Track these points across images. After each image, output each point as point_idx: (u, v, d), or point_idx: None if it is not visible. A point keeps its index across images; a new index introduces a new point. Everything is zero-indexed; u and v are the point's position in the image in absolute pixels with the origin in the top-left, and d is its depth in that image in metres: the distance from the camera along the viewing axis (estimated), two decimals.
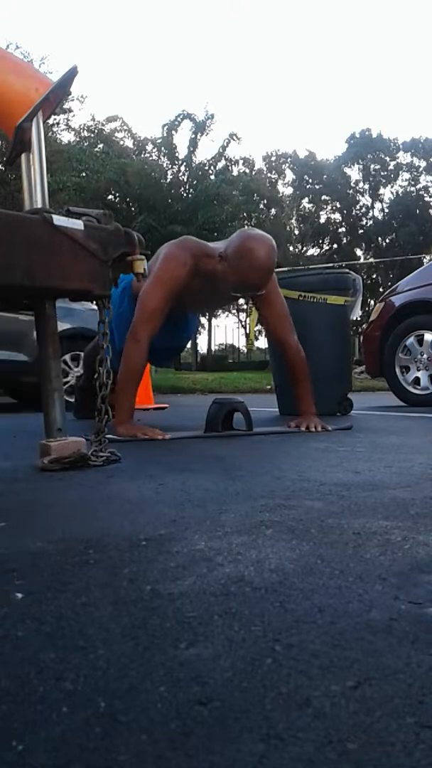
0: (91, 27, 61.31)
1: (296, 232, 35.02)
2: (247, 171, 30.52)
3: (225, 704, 0.46)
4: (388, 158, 36.21)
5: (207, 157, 18.89)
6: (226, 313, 33.29)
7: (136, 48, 65.32)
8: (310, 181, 35.96)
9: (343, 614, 0.63)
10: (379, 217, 36.07)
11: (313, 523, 1.01)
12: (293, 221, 35.35)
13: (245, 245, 2.31)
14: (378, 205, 36.53)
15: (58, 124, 22.45)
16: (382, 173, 36.33)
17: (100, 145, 20.08)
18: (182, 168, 18.78)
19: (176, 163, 18.79)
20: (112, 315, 2.51)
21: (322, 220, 36.33)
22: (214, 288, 2.47)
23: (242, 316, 33.77)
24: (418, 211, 33.76)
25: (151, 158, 19.57)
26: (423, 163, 35.74)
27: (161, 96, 58.79)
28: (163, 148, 19.06)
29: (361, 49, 64.67)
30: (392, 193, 36.24)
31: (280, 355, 2.72)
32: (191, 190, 18.36)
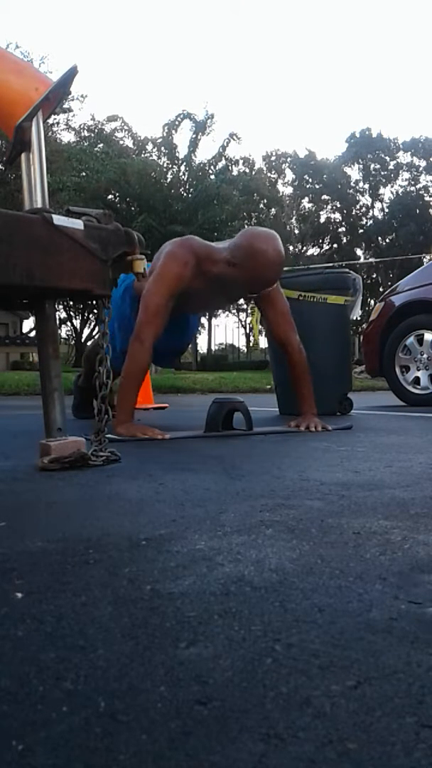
0: (91, 27, 61.31)
1: (296, 232, 34.98)
2: (247, 171, 30.52)
3: (225, 704, 0.46)
4: (388, 158, 36.19)
5: (207, 157, 18.89)
6: (226, 312, 33.30)
7: (136, 48, 65.35)
8: (310, 180, 35.94)
9: (343, 614, 0.63)
10: (379, 217, 36.06)
11: (313, 522, 1.01)
12: (293, 221, 35.32)
13: (254, 246, 2.32)
14: (378, 204, 36.54)
15: (58, 123, 22.51)
16: (382, 173, 36.31)
17: (100, 145, 20.08)
18: (182, 168, 18.77)
19: (176, 162, 18.78)
20: (114, 315, 2.51)
21: (322, 219, 36.31)
22: (219, 289, 2.46)
23: (242, 315, 33.78)
24: (418, 211, 33.75)
25: (151, 158, 19.57)
26: (423, 163, 35.72)
27: (161, 96, 58.80)
28: (163, 148, 19.06)
29: (361, 49, 64.67)
30: (392, 192, 36.24)
31: (282, 354, 2.72)
32: (191, 189, 18.36)
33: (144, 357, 2.30)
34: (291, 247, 32.64)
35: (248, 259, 2.31)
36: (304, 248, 34.80)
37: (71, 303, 16.33)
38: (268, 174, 36.17)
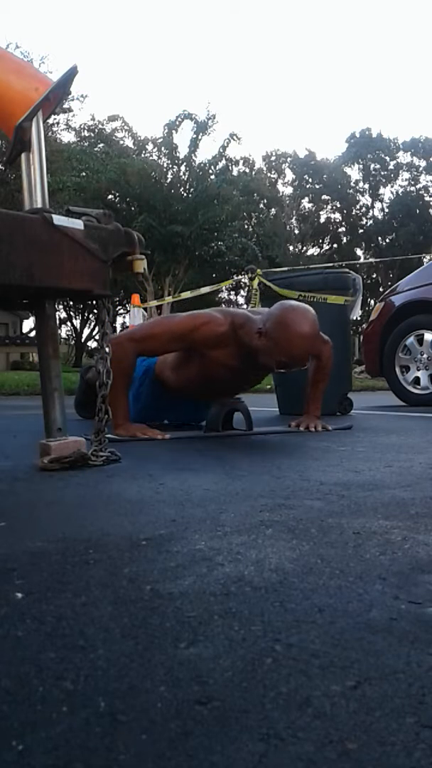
0: (91, 27, 61.29)
1: (296, 232, 34.97)
2: (247, 171, 30.53)
3: (225, 704, 0.46)
4: (388, 158, 36.18)
5: (207, 157, 18.89)
6: None
7: (136, 48, 65.32)
8: (310, 180, 35.93)
9: (343, 614, 0.63)
10: (379, 217, 36.06)
11: (313, 522, 1.01)
12: (293, 221, 35.31)
13: (285, 318, 2.22)
14: (378, 204, 36.53)
15: (58, 123, 22.49)
16: (382, 173, 36.31)
17: (101, 145, 20.08)
18: (182, 168, 18.76)
19: (177, 163, 18.77)
20: (131, 394, 2.49)
21: (322, 220, 36.30)
22: (250, 364, 2.40)
23: None
24: (418, 211, 33.74)
25: (151, 158, 19.56)
26: (423, 163, 35.72)
27: (162, 96, 58.77)
28: (163, 148, 19.05)
29: (361, 49, 64.66)
30: (392, 192, 36.24)
31: (311, 361, 2.70)
32: (191, 189, 18.35)
33: (125, 360, 2.23)
34: (291, 247, 32.63)
35: (278, 330, 2.21)
36: (304, 248, 34.79)
37: (71, 303, 16.34)
38: (268, 174, 36.16)
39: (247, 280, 6.09)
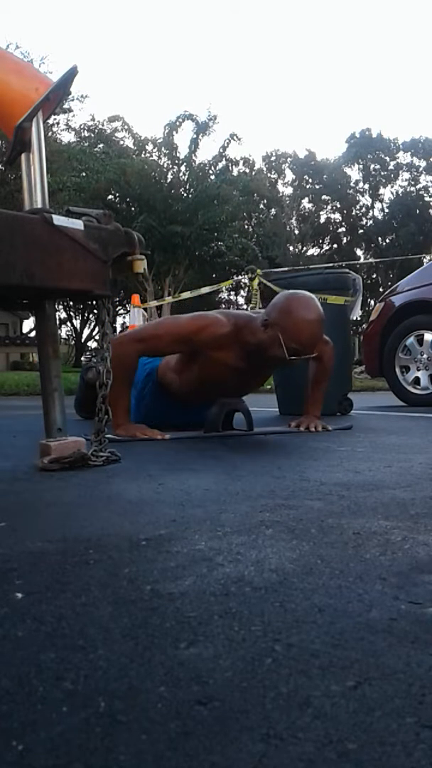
0: (91, 27, 61.30)
1: (296, 232, 34.97)
2: (247, 171, 30.54)
3: (225, 704, 0.46)
4: (388, 158, 36.18)
5: (207, 158, 18.90)
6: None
7: (136, 48, 65.33)
8: (310, 181, 35.94)
9: (343, 614, 0.63)
10: (379, 217, 36.05)
11: (313, 523, 1.01)
12: (293, 221, 35.31)
13: (290, 305, 2.24)
14: (378, 205, 36.53)
15: (58, 124, 22.49)
16: (382, 173, 36.31)
17: (100, 145, 20.08)
18: (182, 168, 18.77)
19: (177, 163, 18.78)
20: (134, 393, 2.46)
21: (322, 220, 36.29)
22: (257, 363, 2.39)
23: None
24: (418, 211, 33.74)
25: (151, 158, 19.57)
26: (423, 163, 35.71)
27: (162, 96, 58.75)
28: (163, 149, 19.06)
29: (361, 49, 64.67)
30: (392, 193, 36.23)
31: (314, 363, 2.69)
32: (191, 190, 18.35)
33: (128, 359, 2.24)
34: (291, 248, 32.64)
35: (284, 318, 2.22)
36: (304, 248, 34.77)
37: (71, 303, 16.35)
38: (268, 174, 36.15)
39: (247, 281, 6.10)
